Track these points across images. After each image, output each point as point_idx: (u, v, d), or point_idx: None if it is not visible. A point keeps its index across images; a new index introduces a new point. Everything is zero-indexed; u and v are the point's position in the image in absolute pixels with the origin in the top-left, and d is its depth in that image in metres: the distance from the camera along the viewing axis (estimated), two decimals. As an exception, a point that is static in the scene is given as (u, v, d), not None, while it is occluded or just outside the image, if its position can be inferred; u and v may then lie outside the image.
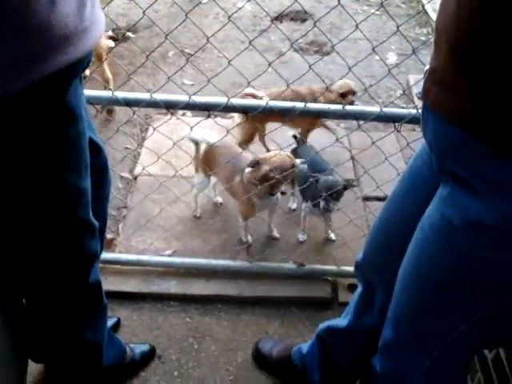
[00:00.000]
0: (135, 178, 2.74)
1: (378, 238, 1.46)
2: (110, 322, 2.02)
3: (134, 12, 4.32)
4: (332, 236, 2.48)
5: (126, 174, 2.76)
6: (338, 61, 3.70)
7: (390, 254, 1.36)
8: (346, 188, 2.24)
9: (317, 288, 2.24)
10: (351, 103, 2.67)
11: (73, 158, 1.21)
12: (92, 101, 1.68)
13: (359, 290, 1.62)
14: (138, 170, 2.76)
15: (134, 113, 1.76)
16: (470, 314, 1.10)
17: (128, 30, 3.87)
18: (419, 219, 1.15)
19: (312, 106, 1.72)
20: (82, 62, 1.13)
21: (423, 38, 4.04)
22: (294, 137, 2.69)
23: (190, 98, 1.68)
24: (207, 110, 1.73)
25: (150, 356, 1.96)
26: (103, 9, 1.19)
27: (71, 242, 1.36)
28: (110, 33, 3.84)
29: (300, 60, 3.77)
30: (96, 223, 1.40)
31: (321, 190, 2.18)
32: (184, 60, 3.79)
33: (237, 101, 1.70)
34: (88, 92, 1.64)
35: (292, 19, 4.37)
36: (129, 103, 1.69)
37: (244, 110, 1.73)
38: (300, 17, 4.39)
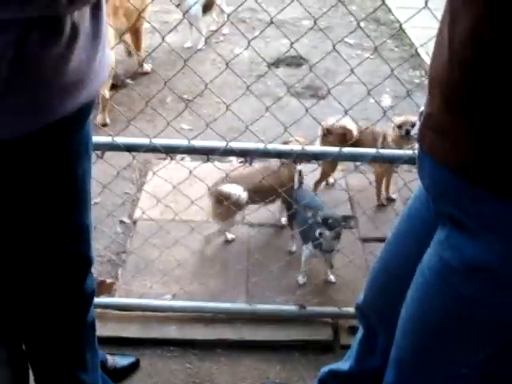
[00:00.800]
0: (134, 223, 2.75)
1: (379, 280, 1.46)
2: (127, 362, 2.02)
3: (132, 59, 4.41)
4: (332, 278, 2.47)
5: (125, 219, 2.77)
6: (334, 105, 3.74)
7: (390, 295, 1.36)
8: (345, 222, 2.24)
9: (318, 331, 2.21)
10: (407, 133, 2.70)
11: (79, 196, 1.25)
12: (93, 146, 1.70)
13: (360, 332, 1.61)
14: (137, 214, 2.77)
15: (134, 158, 1.78)
16: (472, 357, 1.09)
17: (127, 77, 3.94)
18: (419, 261, 1.15)
19: (309, 148, 1.75)
20: (92, 103, 1.17)
21: (417, 81, 4.12)
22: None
23: (189, 142, 1.71)
24: (206, 154, 1.75)
25: (149, 403, 1.92)
26: None
27: (74, 278, 1.38)
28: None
29: (296, 104, 3.83)
30: (93, 260, 1.43)
31: (319, 222, 2.19)
32: (182, 106, 3.84)
33: (235, 144, 1.73)
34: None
35: (288, 64, 4.46)
36: (129, 148, 1.71)
37: (243, 154, 1.75)
38: (296, 62, 4.48)
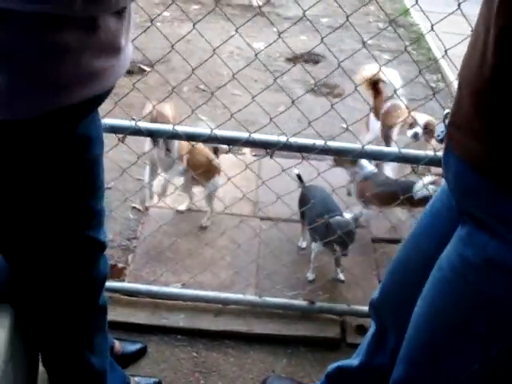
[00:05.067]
0: (147, 209, 2.75)
1: (395, 277, 1.46)
2: (135, 348, 2.03)
3: (150, 46, 4.40)
4: (341, 276, 2.46)
5: (137, 205, 2.77)
6: (349, 103, 3.75)
7: (407, 292, 1.36)
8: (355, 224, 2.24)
9: (325, 328, 2.21)
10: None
11: (91, 181, 1.26)
12: (115, 130, 1.70)
13: (372, 329, 1.61)
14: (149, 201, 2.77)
15: (155, 143, 1.78)
16: (484, 353, 1.10)
17: (144, 64, 3.94)
18: (436, 259, 1.16)
19: (332, 144, 1.74)
20: (104, 95, 1.16)
21: (433, 84, 4.11)
22: (298, 176, 2.59)
23: (211, 131, 1.71)
24: (229, 144, 1.75)
25: (156, 390, 1.92)
26: None
27: (86, 263, 1.38)
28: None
29: (312, 101, 3.83)
30: (106, 245, 1.43)
31: (335, 232, 2.18)
32: (198, 96, 3.86)
33: (257, 136, 1.72)
34: (110, 121, 1.67)
35: (305, 61, 4.45)
36: (151, 133, 1.71)
37: (264, 146, 1.74)
38: (313, 59, 4.47)
